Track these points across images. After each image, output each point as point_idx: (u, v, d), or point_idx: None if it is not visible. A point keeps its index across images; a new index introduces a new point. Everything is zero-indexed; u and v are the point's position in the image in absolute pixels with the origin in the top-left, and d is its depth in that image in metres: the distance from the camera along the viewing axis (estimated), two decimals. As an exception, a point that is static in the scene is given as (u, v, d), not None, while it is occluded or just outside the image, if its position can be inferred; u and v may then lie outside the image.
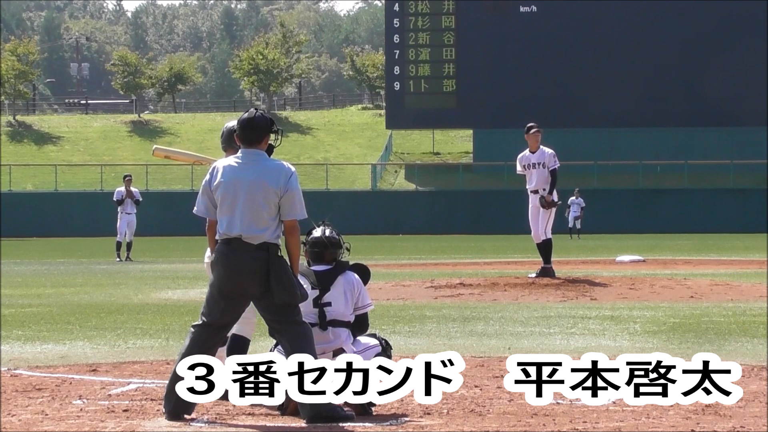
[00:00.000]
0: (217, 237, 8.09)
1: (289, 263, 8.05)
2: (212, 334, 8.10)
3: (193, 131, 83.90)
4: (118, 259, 33.37)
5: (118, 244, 33.69)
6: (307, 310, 8.31)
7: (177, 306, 17.75)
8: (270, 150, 8.37)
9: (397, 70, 71.21)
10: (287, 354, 7.85)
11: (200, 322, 8.11)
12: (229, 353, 8.80)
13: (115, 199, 33.72)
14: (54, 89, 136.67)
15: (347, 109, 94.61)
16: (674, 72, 68.96)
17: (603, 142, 69.20)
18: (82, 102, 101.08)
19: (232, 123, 8.57)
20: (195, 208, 8.22)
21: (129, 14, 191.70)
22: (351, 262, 8.75)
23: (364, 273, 8.74)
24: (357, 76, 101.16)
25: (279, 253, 8.01)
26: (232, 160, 8.14)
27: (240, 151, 8.16)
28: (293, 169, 8.17)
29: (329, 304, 8.44)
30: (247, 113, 8.20)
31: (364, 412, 8.02)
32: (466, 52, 70.24)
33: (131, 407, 8.49)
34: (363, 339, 8.64)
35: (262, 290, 7.97)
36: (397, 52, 71.17)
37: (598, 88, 69.13)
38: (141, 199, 34.09)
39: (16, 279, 25.04)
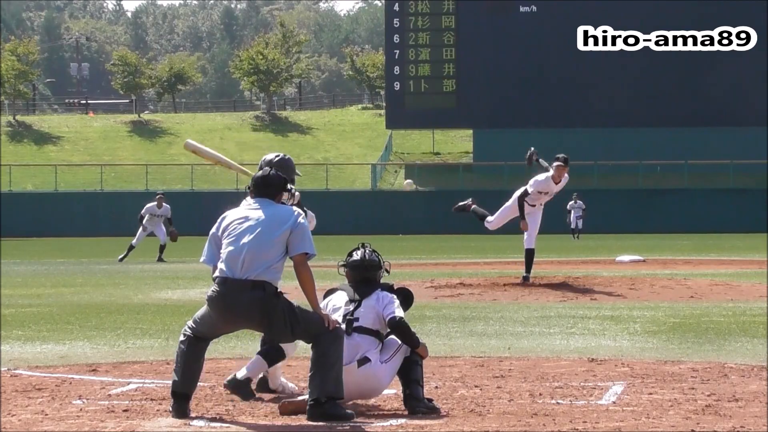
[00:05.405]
0: (214, 275, 8.06)
1: (289, 301, 8.03)
2: (203, 347, 8.19)
3: (193, 131, 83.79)
4: (120, 258, 33.28)
5: (131, 247, 33.73)
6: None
7: (177, 306, 17.75)
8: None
9: (397, 70, 71.19)
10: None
11: (190, 333, 8.10)
12: (265, 357, 8.81)
13: (142, 213, 34.12)
14: (54, 89, 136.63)
15: (347, 109, 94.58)
16: (674, 72, 68.94)
17: (603, 142, 69.16)
18: (82, 102, 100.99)
19: (270, 157, 8.91)
20: (202, 258, 8.24)
21: (129, 14, 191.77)
22: (396, 287, 8.65)
23: (406, 298, 8.64)
24: (357, 76, 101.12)
25: (276, 292, 7.97)
26: (242, 207, 8.20)
27: (249, 198, 8.23)
28: (300, 211, 8.24)
29: (357, 319, 8.37)
30: (261, 171, 8.28)
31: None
32: (466, 52, 70.21)
33: (131, 407, 8.49)
34: (391, 342, 8.48)
35: (257, 327, 8.06)
36: (397, 52, 71.15)
37: (598, 88, 69.11)
38: (171, 216, 34.64)
39: (16, 279, 25.03)
